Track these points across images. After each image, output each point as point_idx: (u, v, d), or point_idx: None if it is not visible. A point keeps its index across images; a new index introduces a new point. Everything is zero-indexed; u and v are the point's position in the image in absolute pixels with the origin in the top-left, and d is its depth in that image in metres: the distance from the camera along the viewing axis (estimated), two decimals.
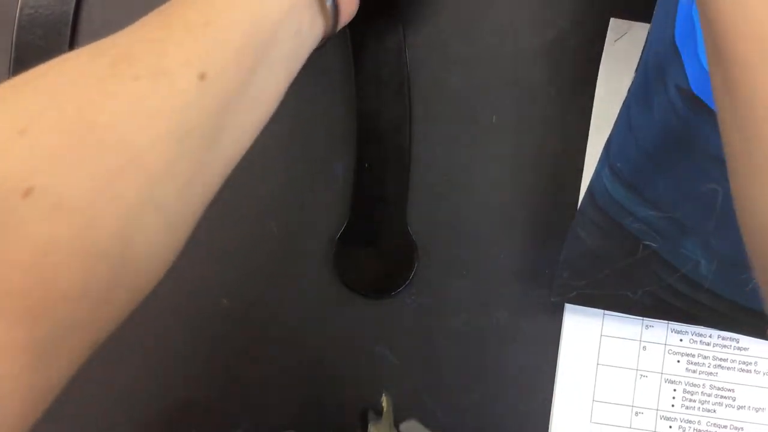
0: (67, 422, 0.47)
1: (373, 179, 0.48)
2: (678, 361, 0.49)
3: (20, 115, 0.26)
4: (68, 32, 0.48)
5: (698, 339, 0.49)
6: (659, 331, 0.49)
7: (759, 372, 0.48)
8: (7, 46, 0.48)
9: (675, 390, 0.48)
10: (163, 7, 0.33)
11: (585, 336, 0.49)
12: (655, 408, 0.48)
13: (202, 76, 0.30)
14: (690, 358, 0.49)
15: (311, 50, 0.37)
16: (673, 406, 0.48)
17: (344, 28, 0.40)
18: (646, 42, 0.44)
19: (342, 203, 0.49)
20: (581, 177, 0.49)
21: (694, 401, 0.48)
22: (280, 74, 0.35)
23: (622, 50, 0.49)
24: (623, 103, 0.43)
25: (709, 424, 0.48)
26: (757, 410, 0.48)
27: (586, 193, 0.45)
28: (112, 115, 0.27)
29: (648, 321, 0.49)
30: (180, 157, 0.29)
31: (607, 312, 0.49)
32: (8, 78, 0.48)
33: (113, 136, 0.27)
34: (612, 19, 0.49)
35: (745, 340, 0.48)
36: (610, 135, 0.44)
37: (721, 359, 0.49)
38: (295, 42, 0.35)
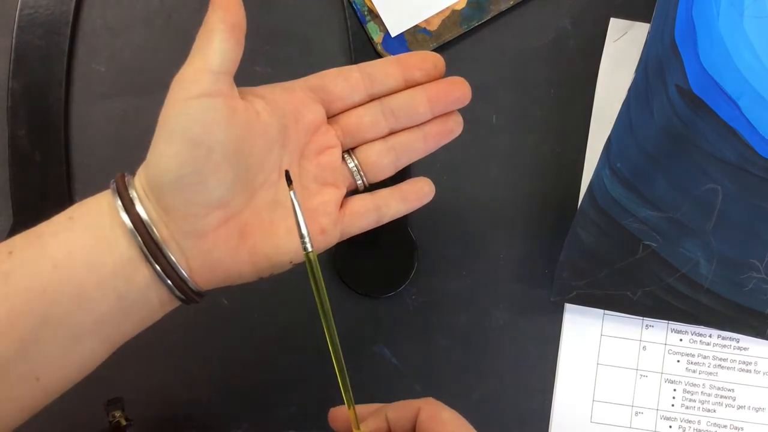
0: (67, 421, 0.47)
1: None
2: (678, 361, 0.49)
3: None
4: (68, 32, 0.48)
5: (698, 339, 0.49)
6: (659, 331, 0.49)
7: (759, 372, 0.48)
8: (7, 46, 0.48)
9: (675, 390, 0.48)
10: None
11: (585, 336, 0.49)
12: (655, 408, 0.48)
13: None
14: (690, 358, 0.49)
15: (158, 313, 0.34)
16: (673, 405, 0.48)
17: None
18: (646, 42, 0.44)
19: None
20: (581, 177, 0.49)
21: (694, 401, 0.48)
22: (89, 341, 0.33)
23: (622, 50, 0.49)
24: (623, 103, 0.43)
25: (709, 423, 0.48)
26: (756, 410, 0.48)
27: (586, 193, 0.45)
28: None
29: (648, 321, 0.49)
30: None
31: (607, 312, 0.49)
32: (8, 78, 0.49)
33: None
34: (612, 19, 0.49)
35: (745, 340, 0.48)
36: (610, 135, 0.44)
37: (721, 359, 0.49)
38: (119, 306, 0.33)
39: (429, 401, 0.35)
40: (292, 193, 0.32)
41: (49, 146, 0.48)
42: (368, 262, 0.48)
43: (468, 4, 0.48)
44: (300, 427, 0.49)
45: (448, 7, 0.48)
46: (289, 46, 0.49)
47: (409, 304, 0.49)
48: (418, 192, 0.39)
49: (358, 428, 0.35)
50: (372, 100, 0.37)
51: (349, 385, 0.34)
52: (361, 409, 0.35)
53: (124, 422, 0.41)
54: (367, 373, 0.49)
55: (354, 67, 0.37)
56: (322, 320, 0.33)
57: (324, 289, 0.33)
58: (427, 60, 0.37)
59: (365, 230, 0.38)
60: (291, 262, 0.36)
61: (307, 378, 0.49)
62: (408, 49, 0.48)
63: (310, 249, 0.33)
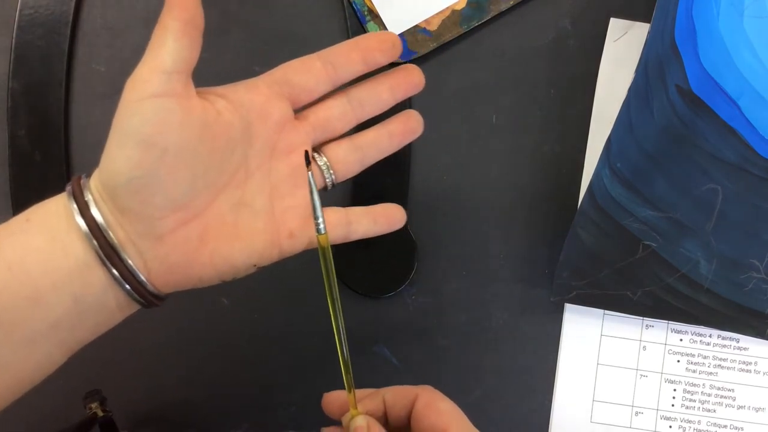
0: (66, 421, 0.47)
1: (373, 179, 0.48)
2: (678, 361, 0.49)
3: None
4: (68, 32, 0.48)
5: (698, 339, 0.49)
6: (659, 331, 0.49)
7: (759, 372, 0.48)
8: (7, 46, 0.48)
9: (675, 390, 0.48)
10: None
11: (585, 336, 0.49)
12: (655, 408, 0.48)
13: None
14: (690, 358, 0.49)
15: (117, 316, 0.34)
16: (673, 405, 0.48)
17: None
18: (646, 42, 0.44)
19: (342, 203, 0.49)
20: (581, 177, 0.49)
21: (694, 401, 0.48)
22: (44, 344, 0.32)
23: (622, 50, 0.49)
24: (623, 103, 0.43)
25: (709, 423, 0.48)
26: (756, 410, 0.48)
27: (586, 193, 0.45)
28: None
29: (648, 321, 0.49)
30: None
31: (607, 312, 0.49)
32: (8, 78, 0.49)
33: None
34: (612, 19, 0.49)
35: (745, 340, 0.48)
36: (610, 135, 0.44)
37: (721, 359, 0.49)
38: (75, 309, 0.32)
39: (427, 389, 0.35)
40: (309, 174, 0.32)
41: (49, 146, 0.48)
42: (368, 262, 0.48)
43: (468, 4, 0.48)
44: (300, 427, 0.49)
45: (448, 7, 0.48)
46: (288, 46, 0.49)
47: (409, 304, 0.49)
48: (389, 217, 0.39)
49: (356, 408, 0.35)
50: (336, 88, 0.38)
51: (350, 366, 0.34)
52: (357, 393, 0.36)
53: (100, 413, 0.41)
54: (367, 373, 0.49)
55: (314, 55, 0.37)
56: (330, 306, 0.34)
57: (333, 271, 0.33)
58: (385, 41, 0.37)
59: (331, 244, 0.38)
60: (256, 266, 0.35)
61: (307, 378, 0.49)
62: (408, 50, 0.48)
63: (323, 231, 0.33)
